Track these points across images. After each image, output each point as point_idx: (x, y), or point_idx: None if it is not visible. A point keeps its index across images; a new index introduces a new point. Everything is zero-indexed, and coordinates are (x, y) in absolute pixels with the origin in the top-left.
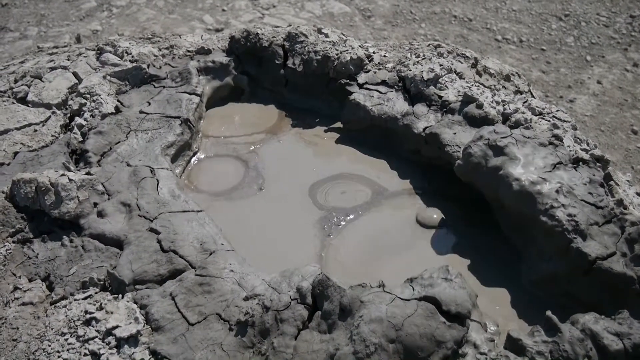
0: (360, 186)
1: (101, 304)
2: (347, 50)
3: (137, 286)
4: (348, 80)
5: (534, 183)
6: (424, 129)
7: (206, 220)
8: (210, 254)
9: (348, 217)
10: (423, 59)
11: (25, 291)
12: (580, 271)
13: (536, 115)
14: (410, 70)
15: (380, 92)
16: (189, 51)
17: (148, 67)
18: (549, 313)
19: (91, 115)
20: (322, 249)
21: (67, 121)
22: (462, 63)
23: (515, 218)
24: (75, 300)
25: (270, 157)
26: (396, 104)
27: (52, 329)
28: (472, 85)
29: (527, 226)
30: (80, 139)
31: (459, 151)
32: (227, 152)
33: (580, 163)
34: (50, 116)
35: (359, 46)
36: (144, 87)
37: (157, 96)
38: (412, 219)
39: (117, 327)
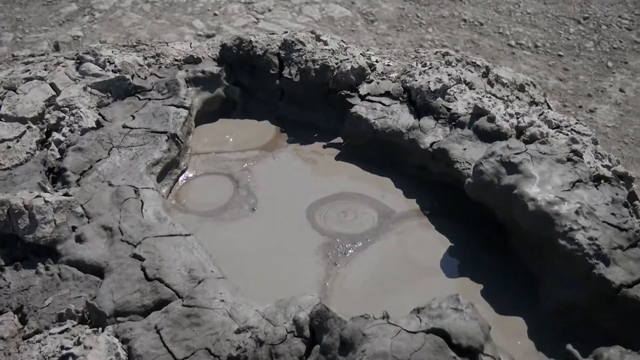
0: (363, 207)
1: (79, 338)
2: (347, 59)
3: (118, 318)
4: (349, 92)
5: (552, 203)
6: (431, 144)
7: (195, 245)
8: (199, 282)
9: (356, 245)
10: (430, 68)
11: None
12: (604, 299)
13: (553, 129)
14: (416, 80)
15: (383, 104)
16: (176, 60)
17: (132, 78)
18: (569, 347)
19: (70, 131)
20: (327, 278)
21: (44, 137)
22: (472, 72)
23: (531, 241)
24: (50, 334)
25: (264, 176)
26: (401, 117)
27: None
28: (483, 96)
29: (545, 250)
30: (58, 156)
31: (469, 168)
32: (218, 170)
33: (602, 181)
34: (25, 131)
35: (361, 54)
36: (127, 99)
37: (142, 109)
38: (420, 243)
39: None
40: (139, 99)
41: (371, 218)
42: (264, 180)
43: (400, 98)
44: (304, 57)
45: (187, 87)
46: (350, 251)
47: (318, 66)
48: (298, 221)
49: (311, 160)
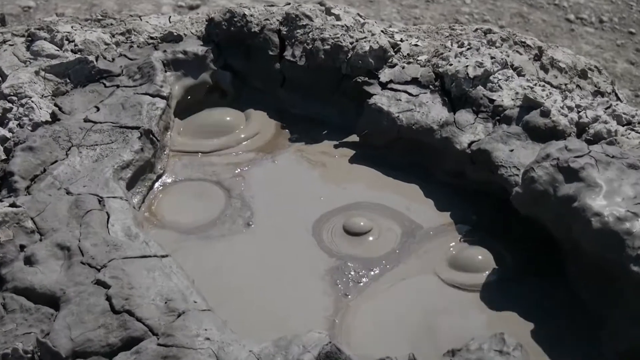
0: (384, 222)
1: None
2: (365, 37)
3: None
4: (367, 78)
5: (621, 219)
6: (470, 144)
7: (173, 269)
8: (179, 315)
9: (371, 272)
10: (468, 49)
11: None
12: None
13: (623, 126)
14: (451, 64)
15: (410, 94)
16: (152, 38)
17: (97, 60)
18: None
19: (18, 125)
20: (336, 313)
21: None
22: (521, 54)
23: (594, 266)
24: None
25: (261, 183)
26: (432, 111)
27: None
28: (535, 84)
29: (612, 278)
30: (4, 157)
31: (517, 174)
32: (204, 176)
33: None
34: None
35: (382, 32)
36: (90, 86)
37: (109, 99)
38: (454, 267)
39: None
40: (105, 86)
41: (393, 236)
42: (261, 189)
43: (430, 86)
44: (310, 35)
45: (165, 71)
46: (364, 279)
47: (328, 46)
48: (302, 239)
49: (320, 163)
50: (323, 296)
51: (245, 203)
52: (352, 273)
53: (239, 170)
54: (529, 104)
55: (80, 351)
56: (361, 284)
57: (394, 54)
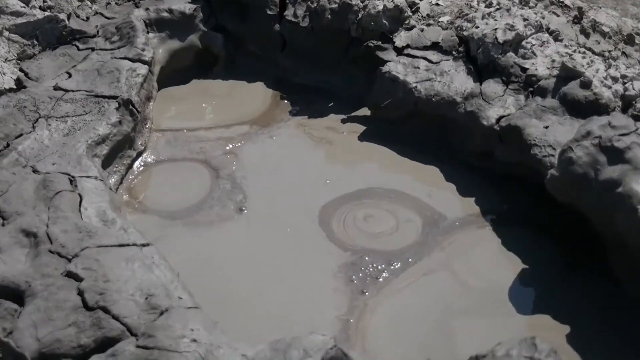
0: (401, 211)
1: None
2: None
3: None
4: (379, 42)
5: None
6: (498, 120)
7: (155, 260)
8: (161, 313)
9: (391, 266)
10: (498, 9)
11: None
12: None
13: None
14: (478, 27)
15: (429, 62)
16: None
17: (68, 19)
18: None
19: None
20: (351, 312)
21: None
22: (558, 16)
23: None
24: None
25: (256, 162)
26: (455, 80)
27: None
28: (575, 51)
29: None
30: None
31: (553, 155)
32: (190, 154)
33: None
34: None
35: None
36: (61, 49)
37: (82, 64)
38: (480, 262)
39: None
40: (78, 49)
41: (413, 226)
42: (256, 169)
43: (453, 52)
44: None
45: (148, 32)
46: (384, 274)
47: (336, 4)
48: (307, 229)
49: (325, 140)
50: (334, 294)
51: (236, 185)
52: (370, 268)
53: (230, 146)
54: (567, 74)
55: (47, 353)
56: (380, 279)
57: (411, 14)
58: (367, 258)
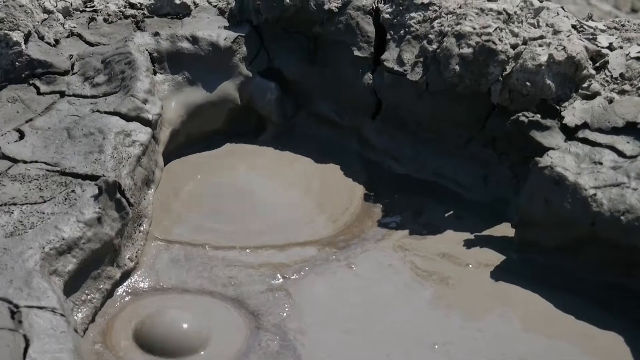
0: None
1: None
2: (541, 36)
3: None
4: (538, 117)
5: None
6: None
7: None
8: None
9: None
10: None
11: None
12: None
13: None
14: None
15: (620, 154)
16: (131, 4)
17: (26, 41)
18: None
19: None
20: None
21: None
22: None
23: None
24: None
25: (322, 308)
26: None
27: None
28: None
29: None
30: None
31: None
32: (211, 286)
33: None
34: None
35: (573, 28)
36: (10, 90)
37: (44, 118)
38: None
39: None
40: (39, 93)
41: None
42: (321, 319)
43: None
44: (435, 24)
45: (155, 73)
46: None
47: (469, 49)
48: None
49: (436, 276)
50: None
51: (287, 343)
52: None
53: (280, 279)
54: None
55: None
56: None
57: (594, 72)
58: None
